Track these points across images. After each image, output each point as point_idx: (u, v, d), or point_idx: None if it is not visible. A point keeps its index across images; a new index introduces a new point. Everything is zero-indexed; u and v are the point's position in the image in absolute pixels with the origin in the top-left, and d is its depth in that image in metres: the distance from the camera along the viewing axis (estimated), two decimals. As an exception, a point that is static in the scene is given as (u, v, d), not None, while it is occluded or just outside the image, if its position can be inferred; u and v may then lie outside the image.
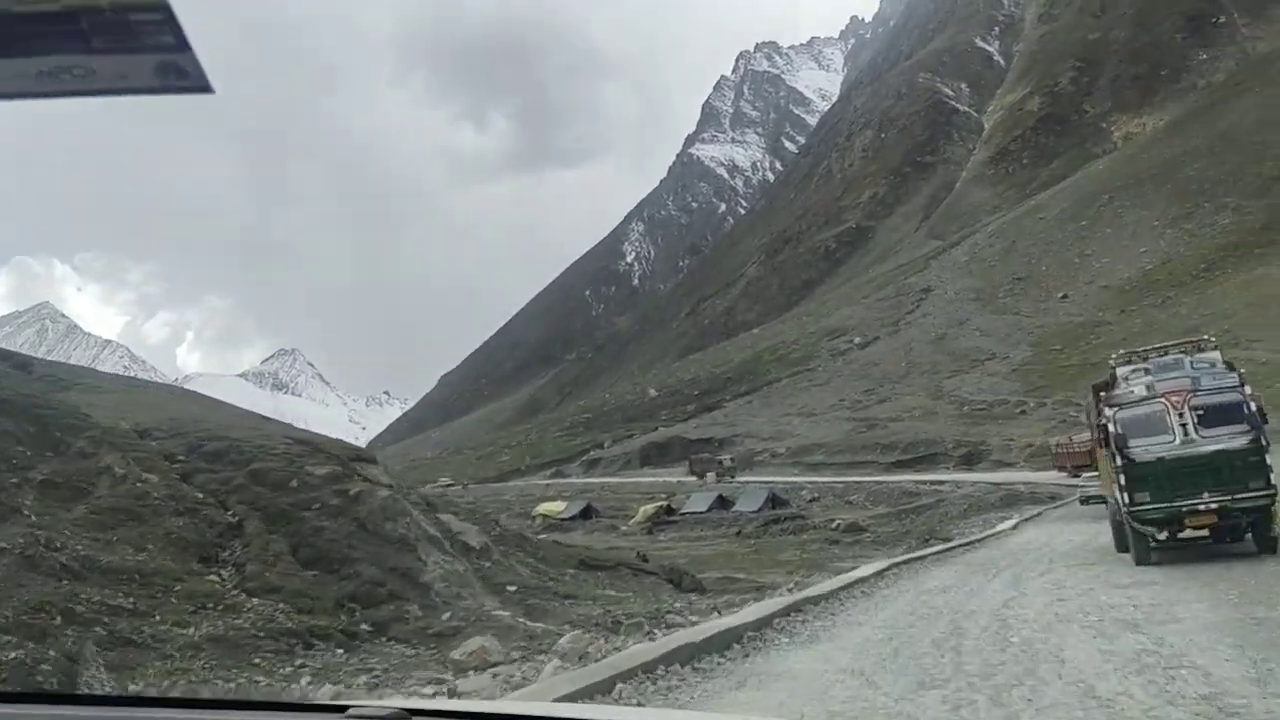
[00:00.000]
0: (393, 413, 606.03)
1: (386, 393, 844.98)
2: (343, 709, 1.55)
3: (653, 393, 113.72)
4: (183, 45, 1.27)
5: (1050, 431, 53.74)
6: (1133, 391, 15.25)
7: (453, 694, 7.95)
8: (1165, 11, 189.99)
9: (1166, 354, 16.71)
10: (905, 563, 17.31)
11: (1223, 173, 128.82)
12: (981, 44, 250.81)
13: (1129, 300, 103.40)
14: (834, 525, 32.55)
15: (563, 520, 45.93)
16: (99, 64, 1.27)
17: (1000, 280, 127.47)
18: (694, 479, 66.55)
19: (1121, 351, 17.80)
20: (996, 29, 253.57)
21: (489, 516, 23.12)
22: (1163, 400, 14.80)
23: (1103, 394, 16.58)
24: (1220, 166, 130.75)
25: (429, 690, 8.58)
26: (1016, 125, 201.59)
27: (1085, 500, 30.84)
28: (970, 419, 66.77)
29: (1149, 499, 14.62)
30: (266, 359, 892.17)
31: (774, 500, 41.84)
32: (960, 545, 20.88)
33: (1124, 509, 14.98)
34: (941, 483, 43.63)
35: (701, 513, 42.05)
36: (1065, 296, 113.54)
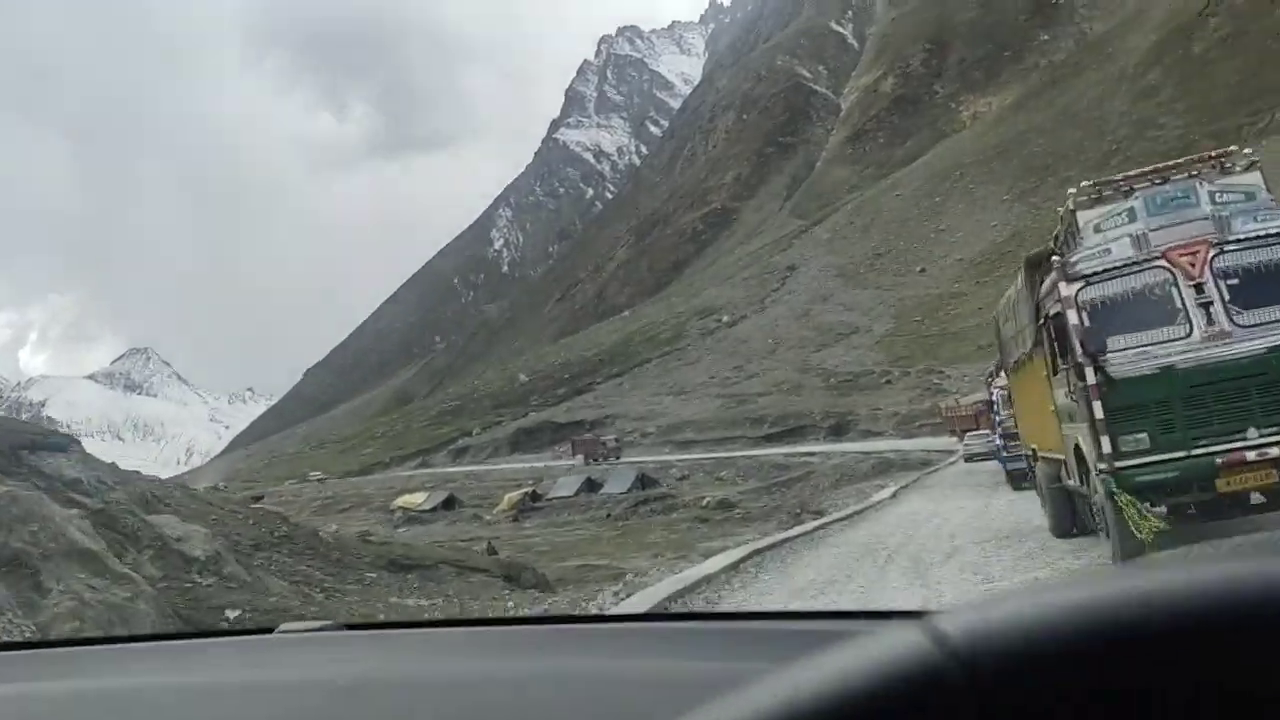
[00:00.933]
0: (257, 409, 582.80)
1: (250, 389, 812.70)
2: (270, 630, 1.56)
3: (523, 378, 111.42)
4: None
5: (914, 400, 54.49)
6: (1109, 250, 8.83)
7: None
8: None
9: (1165, 180, 9.60)
10: (771, 548, 13.81)
11: (1064, 147, 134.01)
12: (836, 27, 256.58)
13: (983, 271, 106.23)
14: (704, 503, 31.41)
15: (423, 512, 43.57)
16: None
17: (861, 256, 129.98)
18: (578, 461, 64.97)
19: (1086, 183, 10.30)
20: (850, 12, 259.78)
21: (282, 515, 20.32)
22: (1164, 261, 8.56)
23: (1049, 262, 9.67)
24: (1062, 142, 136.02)
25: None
26: (872, 106, 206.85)
27: (970, 458, 30.35)
28: (837, 390, 67.26)
29: (1147, 444, 8.43)
30: (117, 358, 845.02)
31: (643, 480, 40.58)
32: (837, 519, 17.57)
33: (1096, 467, 8.85)
34: (812, 454, 43.22)
35: (568, 497, 40.43)
36: (923, 270, 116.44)
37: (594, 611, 9.89)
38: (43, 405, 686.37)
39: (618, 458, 63.34)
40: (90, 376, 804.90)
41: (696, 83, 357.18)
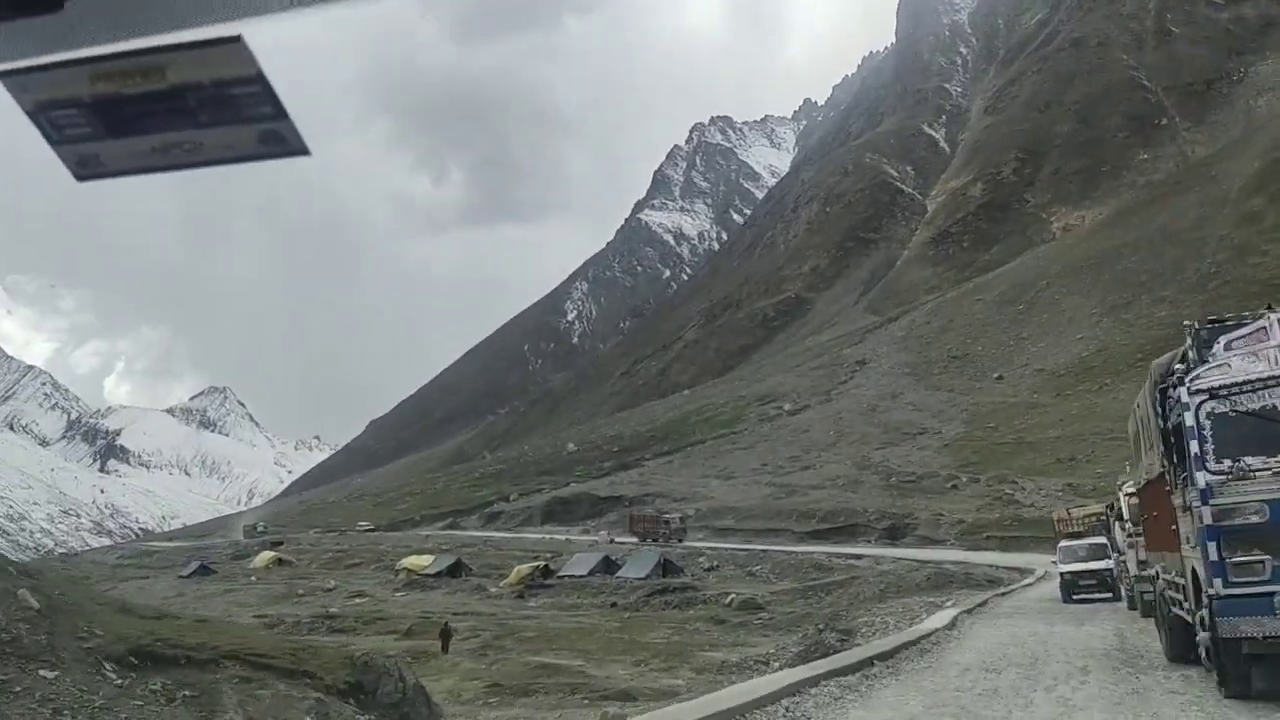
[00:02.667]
0: (321, 457, 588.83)
1: (317, 437, 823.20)
2: None
3: (571, 447, 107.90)
4: (280, 114, 1.33)
5: (982, 509, 49.18)
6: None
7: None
8: (1108, 110, 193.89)
9: None
10: (766, 701, 8.74)
11: (1160, 266, 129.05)
12: (928, 130, 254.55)
13: (1065, 385, 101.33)
14: (727, 600, 27.09)
15: (427, 575, 39.84)
16: (205, 137, 1.33)
17: (936, 357, 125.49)
18: (634, 540, 60.09)
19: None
20: (944, 117, 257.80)
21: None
22: None
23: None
24: (1158, 260, 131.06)
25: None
26: (958, 209, 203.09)
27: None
28: (897, 490, 62.16)
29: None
30: (196, 395, 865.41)
31: (665, 567, 36.35)
32: (867, 658, 11.55)
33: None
34: (860, 557, 38.35)
35: (582, 576, 36.36)
36: (1000, 377, 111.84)
37: None
38: (118, 434, 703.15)
39: (680, 540, 58.04)
40: (169, 410, 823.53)
41: (783, 175, 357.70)
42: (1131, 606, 17.79)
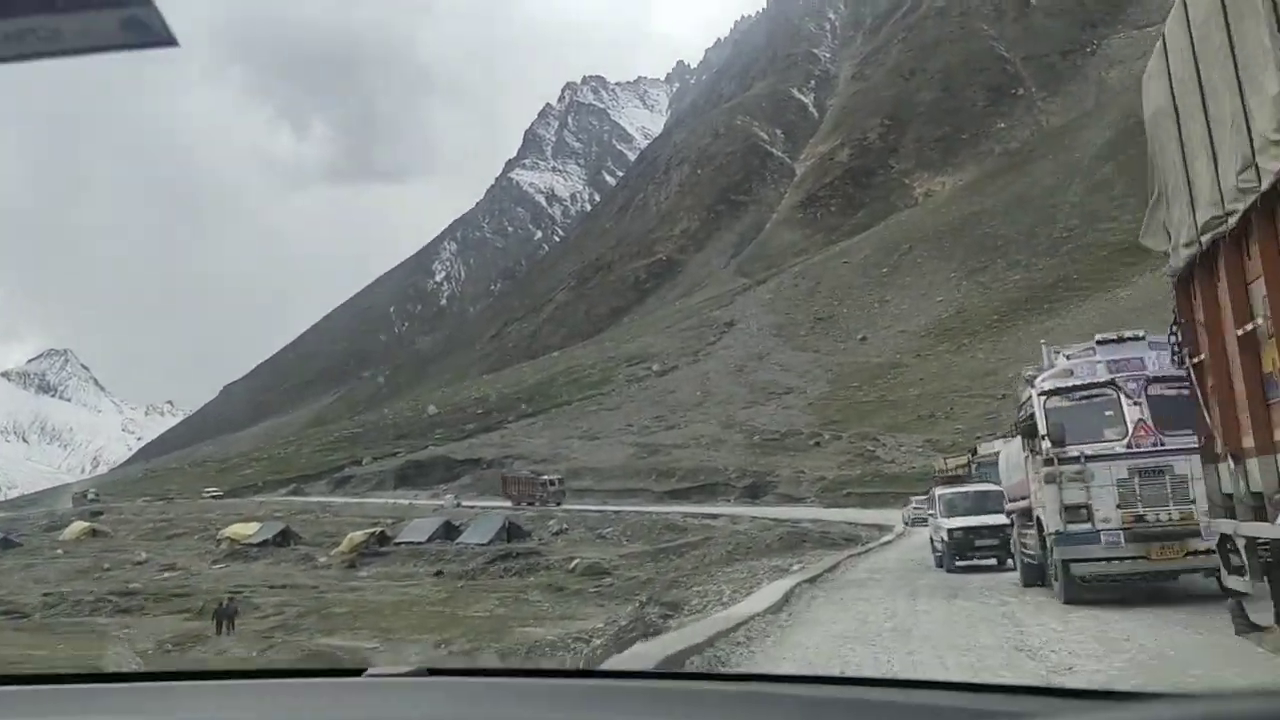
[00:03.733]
0: (173, 423, 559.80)
1: (170, 402, 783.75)
2: (360, 671, 1.54)
3: (433, 410, 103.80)
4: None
5: (844, 466, 48.37)
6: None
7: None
8: (969, 80, 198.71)
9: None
10: None
11: (1016, 232, 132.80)
12: (798, 94, 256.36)
13: (926, 345, 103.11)
14: (572, 565, 24.69)
15: (251, 545, 36.12)
16: (63, 22, 1.24)
17: (802, 319, 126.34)
18: (507, 504, 56.23)
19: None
20: (813, 82, 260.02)
21: None
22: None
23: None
24: (1014, 226, 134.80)
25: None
26: (826, 174, 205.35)
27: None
28: (761, 449, 61.17)
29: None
30: (34, 358, 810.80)
31: (510, 531, 33.75)
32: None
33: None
34: (716, 517, 36.57)
35: (420, 543, 33.40)
36: (864, 339, 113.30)
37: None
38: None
39: (559, 502, 54.44)
40: (3, 374, 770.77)
41: (656, 137, 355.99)
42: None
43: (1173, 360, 9.36)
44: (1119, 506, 10.75)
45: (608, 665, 5.64)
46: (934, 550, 19.24)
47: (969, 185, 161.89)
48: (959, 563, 17.80)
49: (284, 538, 37.61)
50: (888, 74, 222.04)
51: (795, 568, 17.10)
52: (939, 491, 21.11)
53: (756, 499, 47.71)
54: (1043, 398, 11.43)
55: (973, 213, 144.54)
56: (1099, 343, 12.02)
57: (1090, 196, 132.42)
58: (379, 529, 35.99)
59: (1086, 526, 10.77)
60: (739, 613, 10.33)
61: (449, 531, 34.77)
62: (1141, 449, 10.84)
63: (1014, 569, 15.30)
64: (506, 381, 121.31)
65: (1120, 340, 12.00)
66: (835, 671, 7.22)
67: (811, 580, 14.65)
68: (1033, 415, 11.65)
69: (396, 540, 34.59)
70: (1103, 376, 11.30)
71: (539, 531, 36.07)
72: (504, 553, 28.45)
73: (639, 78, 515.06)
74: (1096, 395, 11.29)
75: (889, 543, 25.02)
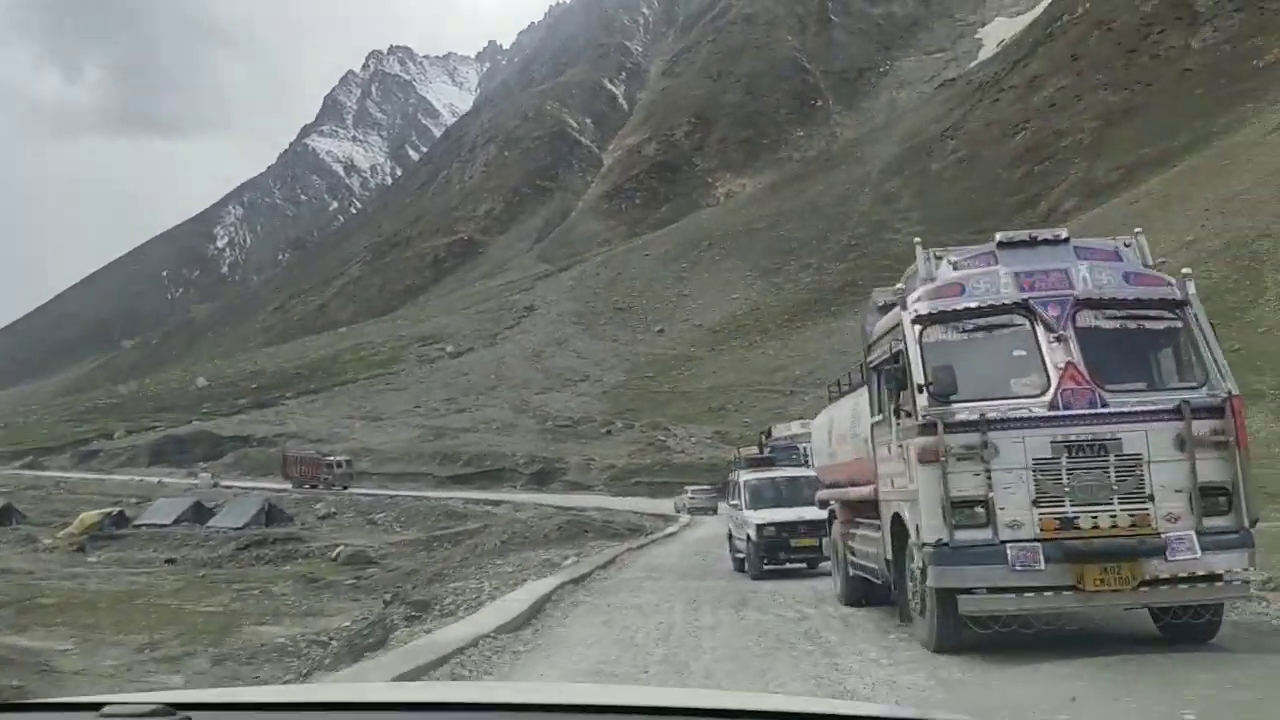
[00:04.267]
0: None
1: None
2: (98, 706, 1.35)
3: (202, 382, 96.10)
4: None
5: (634, 454, 47.75)
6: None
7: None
8: (773, 86, 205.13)
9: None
10: None
11: (808, 236, 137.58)
12: (609, 85, 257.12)
13: (719, 340, 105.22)
14: (334, 553, 22.29)
15: (-43, 525, 31.20)
16: None
17: (602, 308, 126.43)
18: (288, 486, 51.30)
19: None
20: (624, 74, 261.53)
21: None
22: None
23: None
24: (806, 230, 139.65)
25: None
26: (633, 166, 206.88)
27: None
28: (552, 435, 59.85)
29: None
30: None
31: (269, 514, 30.72)
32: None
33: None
34: (499, 503, 34.85)
35: (164, 526, 29.83)
36: (661, 330, 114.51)
37: None
38: None
39: (346, 486, 50.27)
40: None
41: (463, 115, 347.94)
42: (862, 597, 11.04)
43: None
44: (1036, 504, 7.09)
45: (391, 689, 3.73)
46: (733, 550, 15.71)
47: (768, 188, 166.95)
48: (768, 567, 14.52)
49: (4, 516, 32.81)
50: (697, 73, 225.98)
51: (569, 561, 15.57)
52: (743, 477, 16.45)
53: (544, 486, 46.23)
54: (918, 327, 7.56)
55: (770, 215, 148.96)
56: (1000, 245, 8.05)
57: (877, 207, 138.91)
58: (118, 509, 31.92)
59: (985, 535, 7.04)
60: (453, 637, 7.91)
61: (199, 513, 31.19)
62: (1072, 410, 7.06)
63: (824, 573, 12.73)
64: (287, 356, 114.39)
65: (1033, 243, 8.00)
66: None
67: (579, 580, 12.53)
68: (897, 356, 7.85)
69: (137, 522, 30.73)
70: (1009, 296, 7.49)
71: (305, 515, 33.03)
72: (259, 538, 25.56)
73: (449, 53, 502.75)
74: (999, 325, 7.53)
75: (673, 534, 23.86)
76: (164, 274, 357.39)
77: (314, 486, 50.98)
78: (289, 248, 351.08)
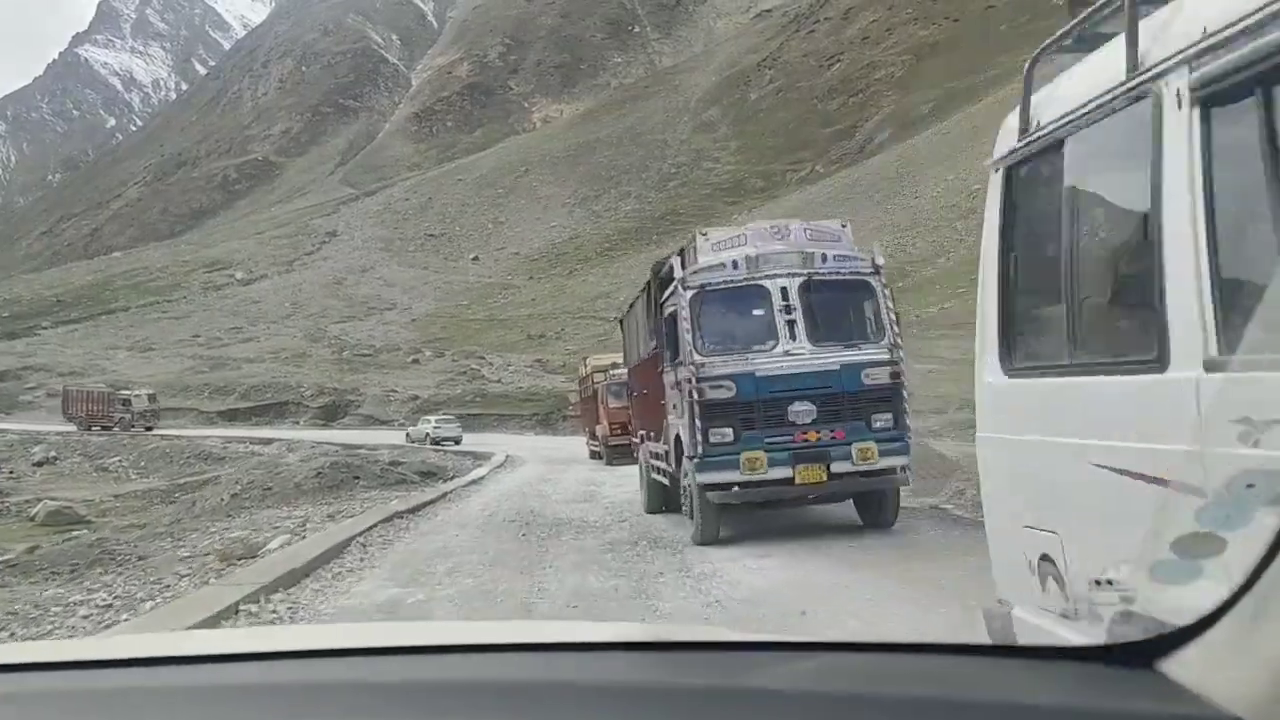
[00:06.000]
0: None
1: None
2: None
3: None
4: None
5: (443, 384, 42.76)
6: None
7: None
8: (589, 10, 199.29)
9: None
10: None
11: (628, 164, 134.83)
12: (418, 0, 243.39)
13: (538, 269, 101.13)
14: (34, 511, 16.80)
15: None
16: None
17: (413, 234, 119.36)
18: (71, 429, 42.16)
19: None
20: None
21: None
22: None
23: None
24: (626, 158, 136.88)
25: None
26: (444, 87, 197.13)
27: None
28: (349, 365, 53.95)
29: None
30: None
31: (-36, 460, 24.40)
32: None
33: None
34: (269, 441, 29.18)
35: None
36: (477, 258, 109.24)
37: None
38: None
39: (149, 427, 42.45)
40: None
41: (256, 27, 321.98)
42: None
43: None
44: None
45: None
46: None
47: (585, 115, 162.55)
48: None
49: None
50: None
51: (312, 529, 10.78)
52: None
53: (332, 421, 40.57)
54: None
55: (588, 142, 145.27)
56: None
57: (696, 136, 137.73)
58: None
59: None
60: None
61: None
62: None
63: None
64: (48, 282, 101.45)
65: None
66: None
67: (297, 577, 7.52)
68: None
69: None
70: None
71: (18, 461, 26.40)
72: (-63, 494, 19.69)
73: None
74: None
75: (479, 479, 18.01)
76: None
77: (107, 429, 43.10)
78: (60, 168, 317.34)
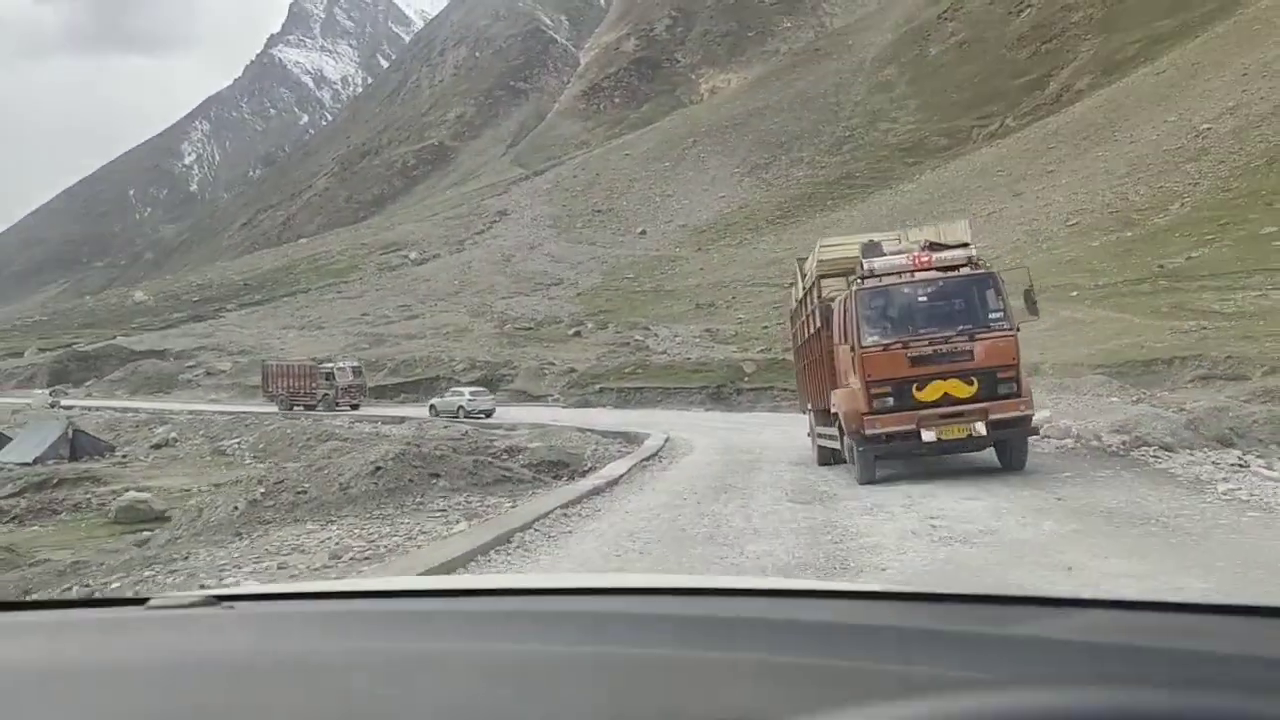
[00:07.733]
0: None
1: None
2: (143, 601, 1.34)
3: (140, 296, 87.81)
4: None
5: (603, 357, 39.76)
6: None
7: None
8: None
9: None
10: None
11: (799, 129, 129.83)
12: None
13: (707, 240, 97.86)
14: (114, 504, 14.47)
15: None
16: None
17: (580, 210, 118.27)
18: (275, 409, 39.90)
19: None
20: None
21: None
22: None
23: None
24: (797, 124, 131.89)
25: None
26: (611, 64, 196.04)
27: None
28: (509, 339, 52.02)
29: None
30: None
31: (75, 445, 22.89)
32: None
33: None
34: (403, 420, 26.89)
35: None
36: (644, 232, 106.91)
37: None
38: None
39: (354, 405, 39.98)
40: None
41: (433, 19, 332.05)
42: None
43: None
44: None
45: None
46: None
47: (754, 82, 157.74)
48: None
49: None
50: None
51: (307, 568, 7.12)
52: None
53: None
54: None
55: (757, 109, 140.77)
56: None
57: (871, 97, 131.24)
58: None
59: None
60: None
61: (-2, 443, 23.41)
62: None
63: None
64: (239, 268, 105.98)
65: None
66: None
67: None
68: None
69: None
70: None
71: (131, 442, 24.95)
72: (42, 479, 17.96)
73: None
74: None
75: (621, 475, 12.69)
76: (130, 194, 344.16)
77: (310, 407, 39.88)
78: (259, 164, 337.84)
